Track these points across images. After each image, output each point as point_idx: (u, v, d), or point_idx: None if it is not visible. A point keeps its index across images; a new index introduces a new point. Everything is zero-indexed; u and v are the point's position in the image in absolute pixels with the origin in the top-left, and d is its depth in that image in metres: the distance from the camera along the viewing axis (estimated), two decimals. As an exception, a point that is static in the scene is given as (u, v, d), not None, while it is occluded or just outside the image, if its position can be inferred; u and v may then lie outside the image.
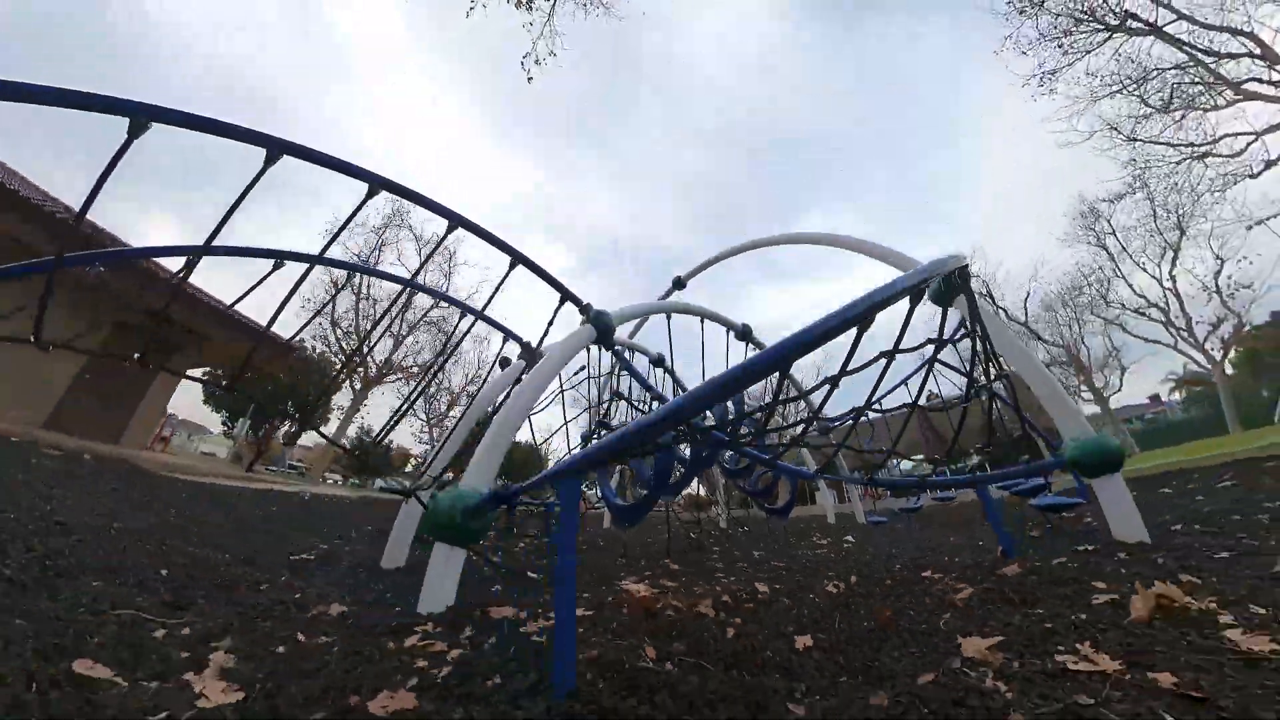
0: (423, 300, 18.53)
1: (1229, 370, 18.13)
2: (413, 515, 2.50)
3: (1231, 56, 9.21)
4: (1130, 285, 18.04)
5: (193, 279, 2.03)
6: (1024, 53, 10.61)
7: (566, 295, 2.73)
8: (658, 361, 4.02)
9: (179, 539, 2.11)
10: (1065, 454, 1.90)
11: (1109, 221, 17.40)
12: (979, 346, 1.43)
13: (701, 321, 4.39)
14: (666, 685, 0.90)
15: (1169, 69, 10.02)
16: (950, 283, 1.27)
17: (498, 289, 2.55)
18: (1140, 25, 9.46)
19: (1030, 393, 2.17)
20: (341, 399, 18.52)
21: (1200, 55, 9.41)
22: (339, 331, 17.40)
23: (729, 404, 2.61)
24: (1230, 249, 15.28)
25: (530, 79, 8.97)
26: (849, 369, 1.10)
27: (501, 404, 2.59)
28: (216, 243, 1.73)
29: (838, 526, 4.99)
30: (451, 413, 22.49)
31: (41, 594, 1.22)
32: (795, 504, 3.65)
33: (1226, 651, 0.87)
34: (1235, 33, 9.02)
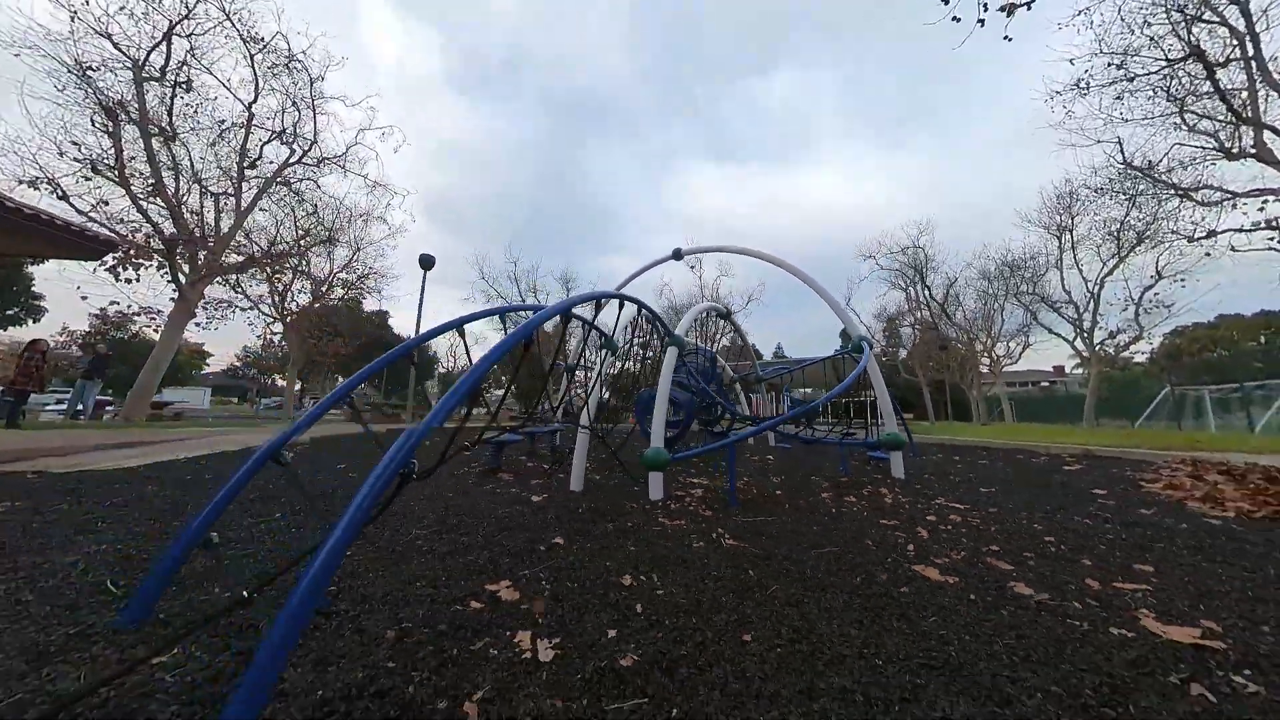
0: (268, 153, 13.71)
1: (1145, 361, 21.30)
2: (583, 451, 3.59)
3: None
4: (1062, 279, 19.22)
5: None
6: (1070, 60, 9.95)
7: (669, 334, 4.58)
8: (725, 314, 5.94)
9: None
10: (883, 438, 4.34)
11: (1072, 217, 18.19)
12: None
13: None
14: (760, 499, 3.14)
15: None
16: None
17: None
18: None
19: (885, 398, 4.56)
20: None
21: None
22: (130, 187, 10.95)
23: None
24: (1171, 268, 16.21)
25: None
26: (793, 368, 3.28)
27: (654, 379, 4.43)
28: None
29: (763, 449, 7.69)
30: (301, 302, 18.32)
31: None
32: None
33: (884, 497, 3.27)
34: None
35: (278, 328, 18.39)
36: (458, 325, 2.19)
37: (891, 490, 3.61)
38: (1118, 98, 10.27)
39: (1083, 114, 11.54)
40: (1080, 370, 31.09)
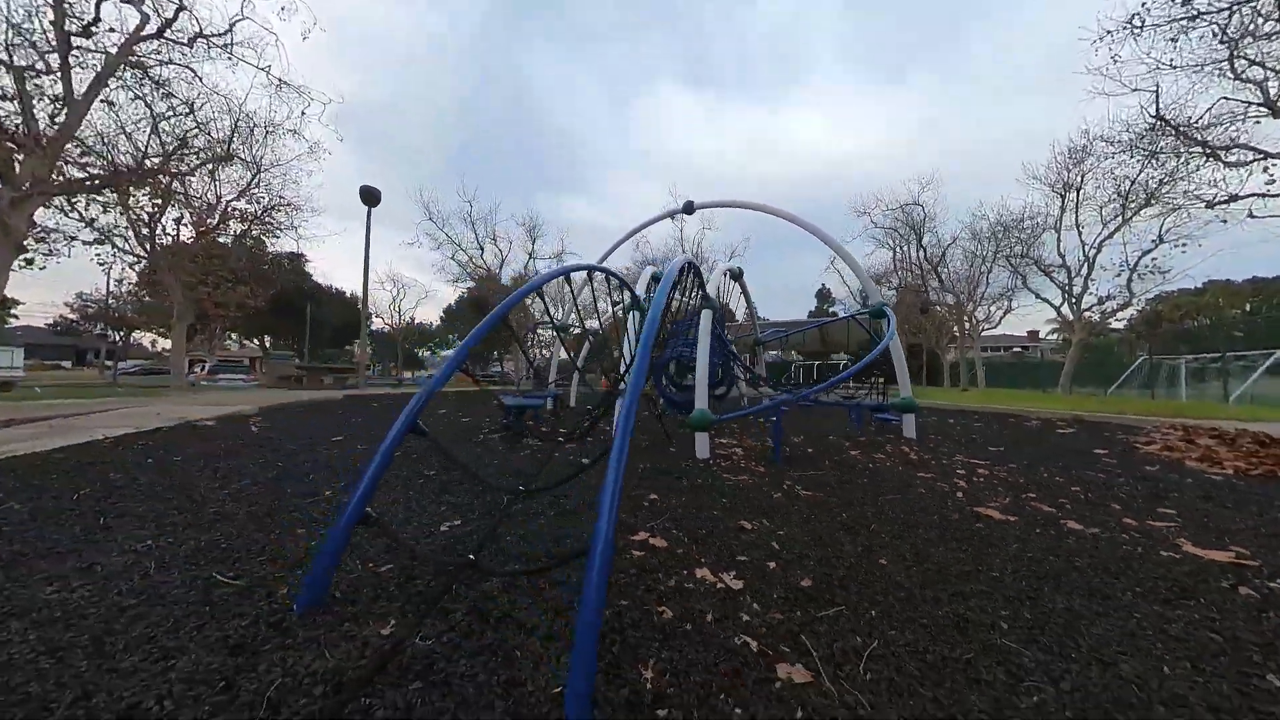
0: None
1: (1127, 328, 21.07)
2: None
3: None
4: (1059, 242, 18.50)
5: None
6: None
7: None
8: (737, 275, 5.97)
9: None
10: (898, 401, 4.66)
11: (1082, 174, 17.21)
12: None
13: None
14: (799, 458, 3.40)
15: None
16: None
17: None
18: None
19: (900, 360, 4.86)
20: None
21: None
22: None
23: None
24: (1175, 233, 15.47)
25: None
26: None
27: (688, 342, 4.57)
28: None
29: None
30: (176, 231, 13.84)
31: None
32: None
33: (908, 454, 3.58)
34: None
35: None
36: (563, 273, 2.24)
37: (912, 448, 3.94)
38: (1172, 39, 9.27)
39: (1127, 56, 10.35)
40: (1055, 336, 31.91)
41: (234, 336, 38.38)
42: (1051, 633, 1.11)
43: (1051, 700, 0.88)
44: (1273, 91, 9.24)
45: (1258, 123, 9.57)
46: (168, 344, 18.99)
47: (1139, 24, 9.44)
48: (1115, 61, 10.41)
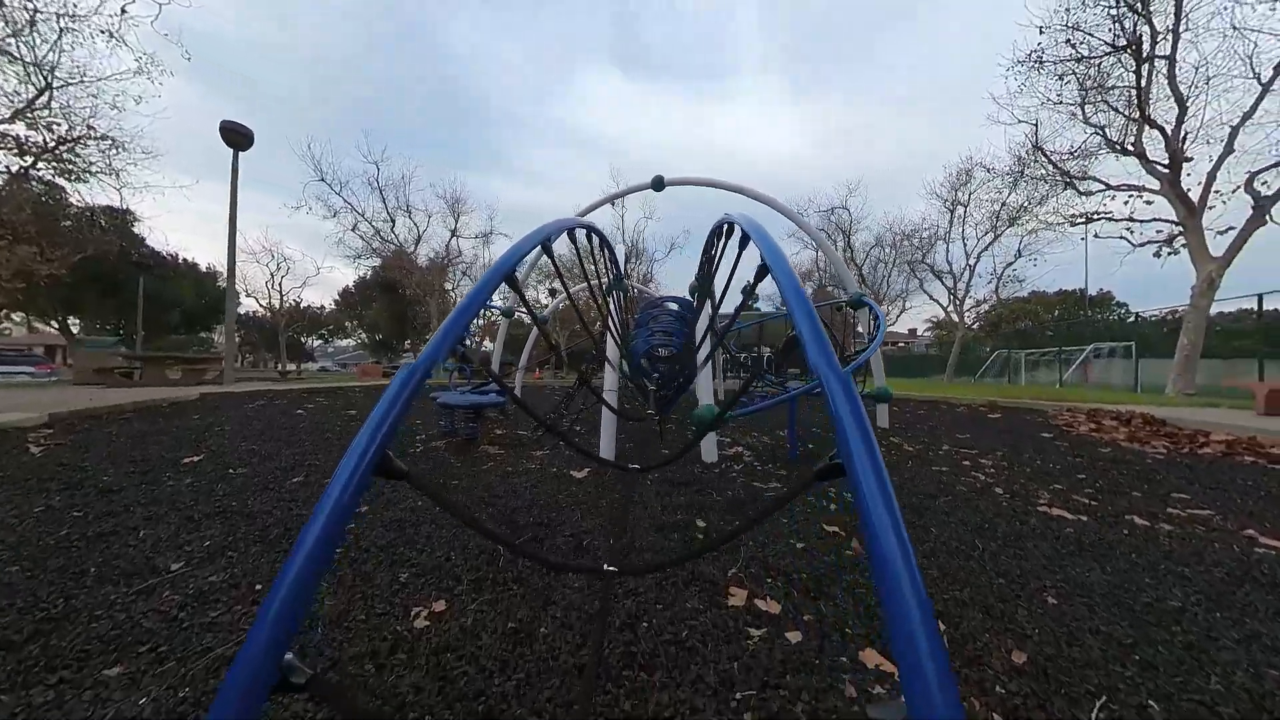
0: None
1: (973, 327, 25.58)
2: (610, 421, 3.01)
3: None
4: (948, 251, 22.01)
5: None
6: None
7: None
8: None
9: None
10: (872, 391, 4.68)
11: (969, 194, 20.37)
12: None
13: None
14: (809, 455, 3.12)
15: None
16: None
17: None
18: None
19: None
20: None
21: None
22: None
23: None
24: (1029, 249, 19.59)
25: None
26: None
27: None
28: None
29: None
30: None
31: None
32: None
33: (902, 446, 3.52)
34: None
35: None
36: (569, 228, 1.56)
37: (901, 439, 3.92)
38: (1059, 76, 11.17)
39: (1019, 90, 12.36)
40: (929, 333, 37.95)
41: (15, 317, 28.52)
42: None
43: None
44: (1114, 135, 11.32)
45: (1117, 158, 11.68)
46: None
47: (1038, 60, 11.29)
48: (1021, 90, 12.29)
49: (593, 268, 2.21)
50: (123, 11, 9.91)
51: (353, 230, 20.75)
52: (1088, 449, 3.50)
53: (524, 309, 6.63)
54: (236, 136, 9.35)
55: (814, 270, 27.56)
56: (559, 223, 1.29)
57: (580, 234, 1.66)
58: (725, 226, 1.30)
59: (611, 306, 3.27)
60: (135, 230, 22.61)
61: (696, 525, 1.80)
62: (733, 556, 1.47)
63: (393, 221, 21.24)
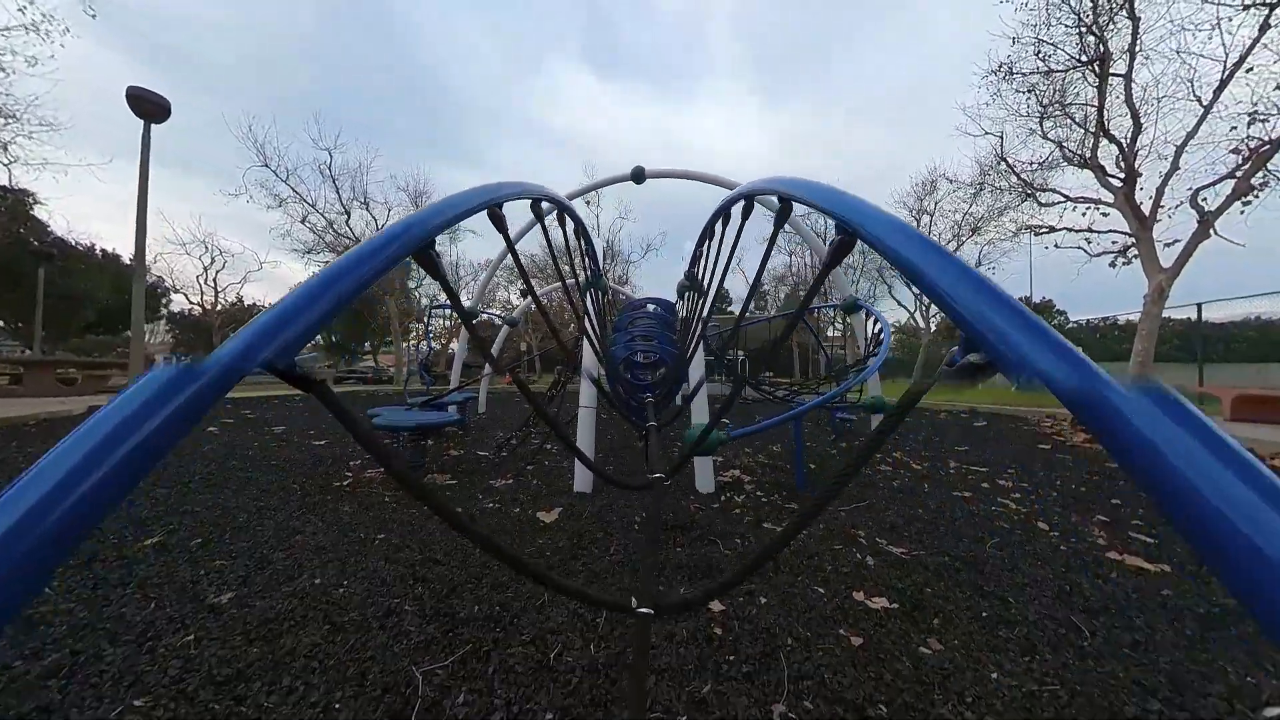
0: None
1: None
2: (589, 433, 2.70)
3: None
4: None
5: None
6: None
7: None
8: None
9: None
10: (869, 401, 4.40)
11: (935, 203, 21.11)
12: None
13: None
14: (812, 478, 2.75)
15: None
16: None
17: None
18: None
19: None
20: None
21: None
22: None
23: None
24: (990, 260, 20.16)
25: None
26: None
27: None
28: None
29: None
30: None
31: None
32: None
33: (911, 465, 3.22)
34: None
35: None
36: (528, 197, 0.98)
37: (905, 454, 3.62)
38: (1028, 90, 11.49)
39: (989, 101, 12.56)
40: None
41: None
42: None
43: None
44: (1071, 147, 11.76)
45: (1075, 173, 12.18)
46: None
47: (1009, 71, 11.63)
48: (990, 102, 12.42)
49: (565, 258, 1.73)
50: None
51: (302, 223, 19.11)
52: (1097, 464, 3.30)
53: (449, 301, 5.97)
54: (148, 105, 7.98)
55: (787, 274, 27.86)
56: (520, 185, 0.81)
57: (550, 217, 1.19)
58: (744, 202, 0.87)
59: (589, 306, 2.78)
60: (35, 215, 19.91)
61: (713, 624, 1.34)
62: (752, 663, 1.04)
63: (348, 214, 19.64)
